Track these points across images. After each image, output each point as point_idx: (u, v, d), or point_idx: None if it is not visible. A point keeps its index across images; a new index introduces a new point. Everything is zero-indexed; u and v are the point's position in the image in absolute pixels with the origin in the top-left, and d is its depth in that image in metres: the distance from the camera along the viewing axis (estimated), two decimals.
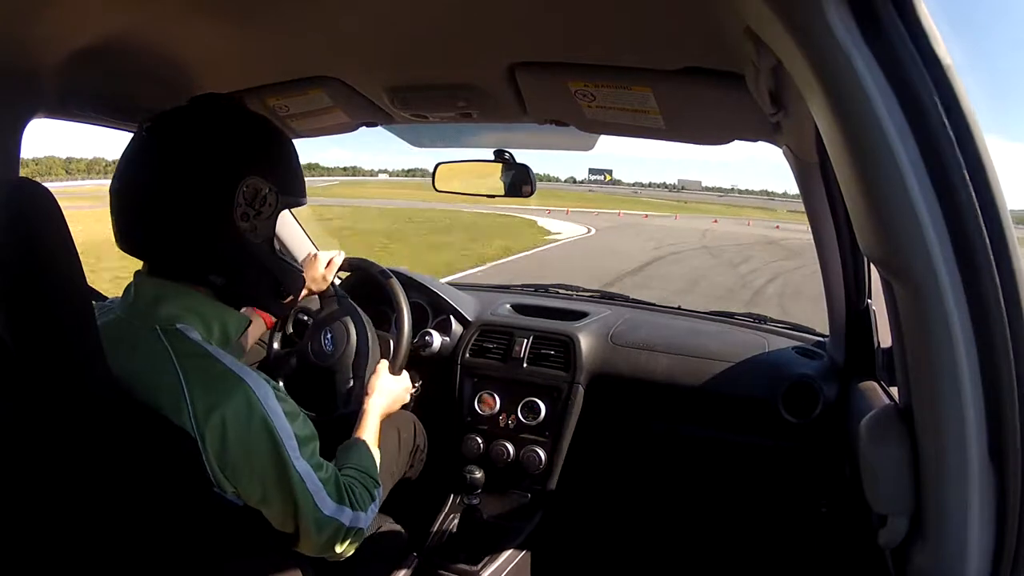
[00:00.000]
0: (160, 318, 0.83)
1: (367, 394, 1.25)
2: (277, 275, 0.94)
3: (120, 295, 0.91)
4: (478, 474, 1.45)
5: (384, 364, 1.34)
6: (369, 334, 1.41)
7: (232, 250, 0.87)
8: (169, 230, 0.83)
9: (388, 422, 1.29)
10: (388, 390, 1.29)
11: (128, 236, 0.85)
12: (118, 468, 0.74)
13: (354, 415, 1.21)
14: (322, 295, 1.47)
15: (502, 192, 1.64)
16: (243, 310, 0.94)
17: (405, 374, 1.38)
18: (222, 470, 0.80)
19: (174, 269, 0.86)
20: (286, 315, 1.55)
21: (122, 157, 0.85)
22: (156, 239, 0.84)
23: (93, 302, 0.92)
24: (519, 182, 1.62)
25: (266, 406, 0.82)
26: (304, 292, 1.41)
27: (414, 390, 1.39)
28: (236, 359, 0.85)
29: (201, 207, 0.83)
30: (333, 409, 1.35)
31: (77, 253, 0.71)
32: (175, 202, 0.82)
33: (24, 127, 1.10)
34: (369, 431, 1.16)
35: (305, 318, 1.61)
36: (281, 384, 1.17)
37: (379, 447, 1.15)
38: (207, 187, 0.83)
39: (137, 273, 0.88)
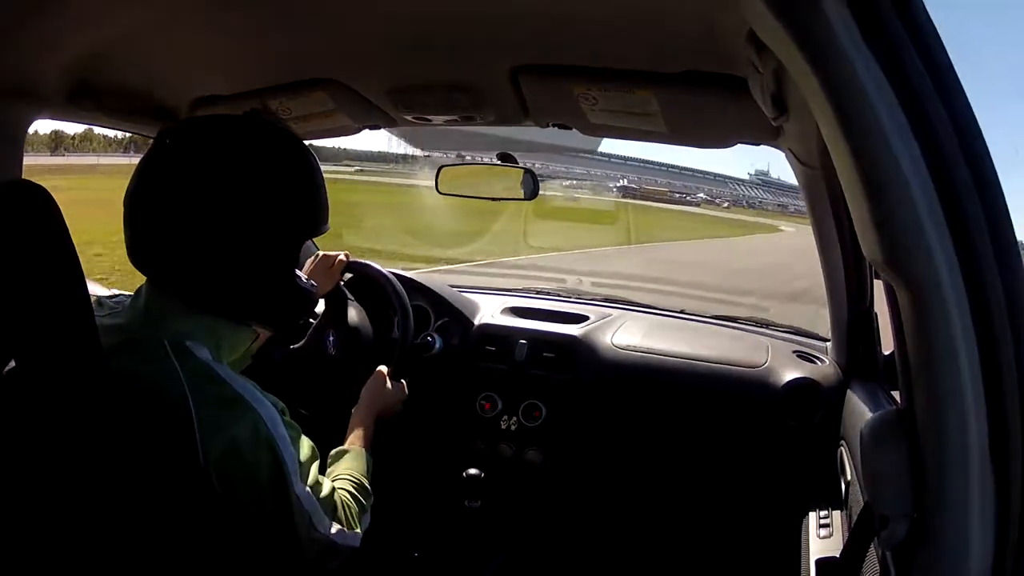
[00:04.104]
0: (169, 332, 0.82)
1: (362, 399, 1.24)
2: (297, 302, 0.93)
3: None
4: (479, 476, 1.45)
5: (382, 370, 1.32)
6: (372, 336, 1.41)
7: (256, 279, 0.85)
8: (191, 254, 0.81)
9: None
10: (383, 397, 1.27)
11: (141, 251, 0.83)
12: (118, 465, 0.74)
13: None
14: (326, 296, 1.46)
15: (506, 195, 1.64)
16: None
17: (402, 383, 1.35)
18: (220, 487, 0.79)
19: (188, 291, 0.84)
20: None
21: (142, 166, 0.82)
22: (174, 260, 0.82)
23: (100, 299, 0.93)
24: (522, 185, 1.62)
25: (274, 433, 0.81)
26: None
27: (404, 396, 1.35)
28: (245, 380, 0.84)
29: (227, 234, 0.81)
30: (337, 411, 1.35)
31: (76, 255, 0.71)
32: (200, 225, 0.80)
33: (27, 128, 1.10)
34: (363, 437, 1.14)
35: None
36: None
37: (370, 452, 1.14)
38: (237, 213, 0.80)
39: (148, 281, 0.86)
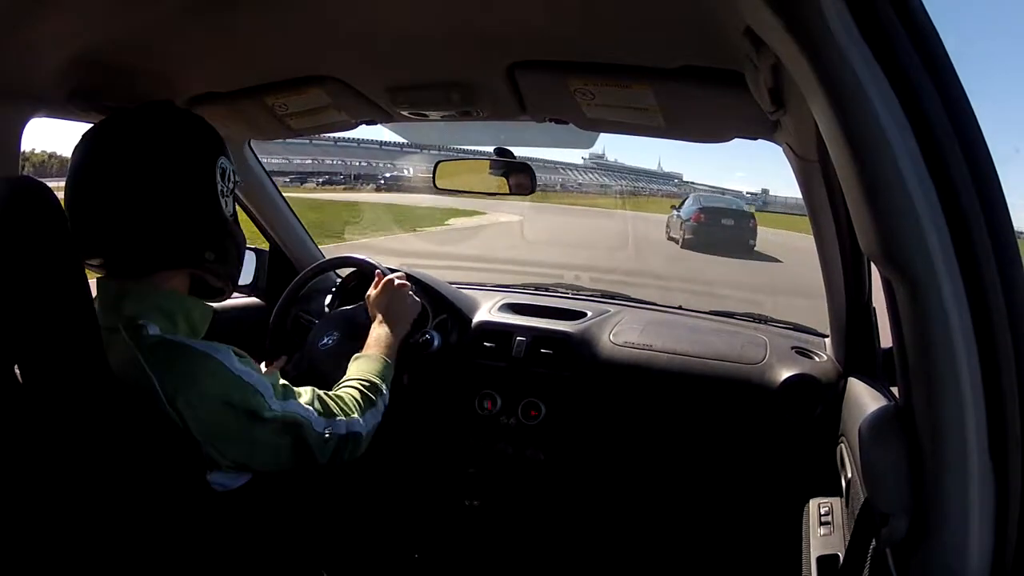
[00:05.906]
0: (123, 317, 0.85)
1: (382, 313, 1.29)
2: (244, 247, 1.00)
3: None
4: (479, 476, 1.45)
5: (405, 283, 1.37)
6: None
7: (218, 226, 0.92)
8: (154, 219, 0.86)
9: None
10: (406, 310, 1.34)
11: (94, 235, 0.86)
12: (123, 465, 0.74)
13: None
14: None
15: (503, 190, 1.64)
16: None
17: (397, 281, 1.37)
18: (210, 443, 0.82)
19: (148, 261, 0.88)
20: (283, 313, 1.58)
21: (82, 157, 0.86)
22: (133, 232, 0.86)
23: None
24: (521, 180, 1.62)
25: (232, 368, 0.86)
26: None
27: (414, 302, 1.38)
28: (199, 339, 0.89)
29: (190, 189, 0.88)
30: None
31: (78, 251, 0.71)
32: (162, 190, 0.86)
33: (24, 126, 1.10)
34: (383, 344, 1.21)
35: (306, 317, 1.61)
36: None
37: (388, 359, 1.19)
38: (193, 170, 0.89)
39: (98, 278, 0.90)
